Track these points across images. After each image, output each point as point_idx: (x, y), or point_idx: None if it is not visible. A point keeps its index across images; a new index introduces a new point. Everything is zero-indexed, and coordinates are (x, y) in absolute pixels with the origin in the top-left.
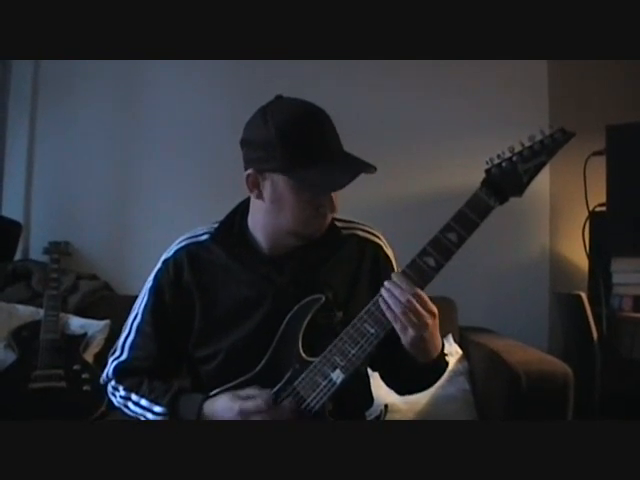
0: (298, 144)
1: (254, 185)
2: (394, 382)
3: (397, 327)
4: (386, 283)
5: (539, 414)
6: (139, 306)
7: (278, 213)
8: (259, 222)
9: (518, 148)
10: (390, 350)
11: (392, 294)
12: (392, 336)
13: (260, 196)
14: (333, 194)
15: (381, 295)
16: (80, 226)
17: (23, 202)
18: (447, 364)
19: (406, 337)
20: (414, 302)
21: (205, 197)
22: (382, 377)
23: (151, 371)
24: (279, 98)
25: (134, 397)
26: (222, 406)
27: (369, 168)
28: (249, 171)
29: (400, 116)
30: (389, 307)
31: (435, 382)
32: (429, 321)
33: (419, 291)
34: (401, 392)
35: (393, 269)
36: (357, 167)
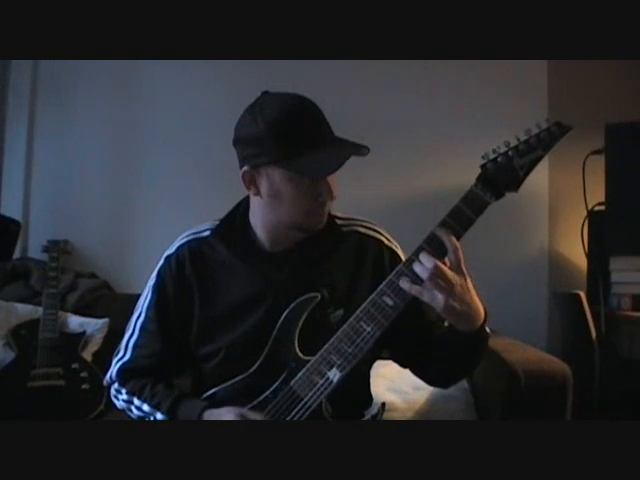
0: (289, 134)
1: (250, 182)
2: (435, 371)
3: (426, 298)
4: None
5: (538, 413)
6: (142, 304)
7: (277, 207)
8: (259, 218)
9: (514, 143)
10: (418, 337)
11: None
12: (416, 322)
13: (257, 193)
14: (330, 181)
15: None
16: (79, 225)
17: (22, 200)
18: (487, 334)
19: (437, 303)
20: (440, 266)
21: (205, 196)
22: (419, 373)
23: (154, 370)
24: (265, 93)
25: (136, 402)
26: (225, 418)
27: (362, 149)
28: (244, 169)
29: (400, 115)
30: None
31: (480, 356)
32: (456, 280)
33: (455, 241)
34: (446, 379)
35: (401, 261)
36: (350, 148)
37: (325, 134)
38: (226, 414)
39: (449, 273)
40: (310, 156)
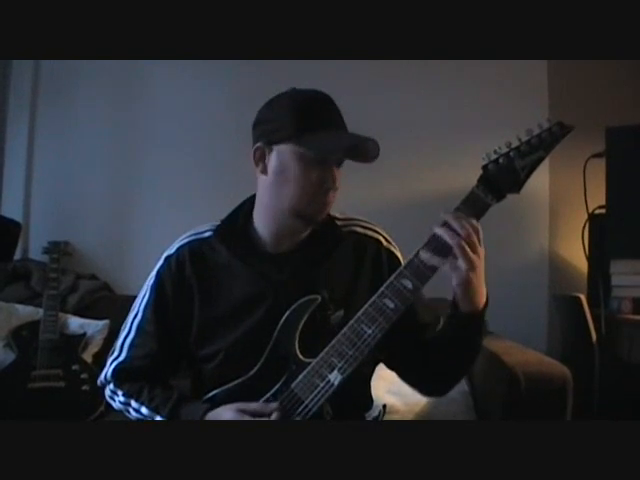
0: (307, 112)
1: (260, 158)
2: (429, 375)
3: (449, 266)
4: (445, 216)
5: (538, 415)
6: (139, 304)
7: (282, 187)
8: (263, 207)
9: (515, 143)
10: (412, 340)
11: (449, 227)
12: (410, 324)
13: (265, 170)
14: (336, 171)
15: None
16: (80, 226)
17: (23, 202)
18: (484, 327)
19: (459, 272)
20: (472, 233)
21: (205, 197)
22: (412, 379)
23: (150, 371)
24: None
25: (134, 404)
26: (228, 419)
27: (373, 142)
28: (257, 144)
29: (400, 116)
30: (444, 240)
31: (474, 356)
32: (480, 253)
33: (475, 222)
34: (435, 382)
35: (399, 262)
36: (362, 137)
37: (340, 122)
38: (225, 412)
39: (477, 243)
40: (324, 136)
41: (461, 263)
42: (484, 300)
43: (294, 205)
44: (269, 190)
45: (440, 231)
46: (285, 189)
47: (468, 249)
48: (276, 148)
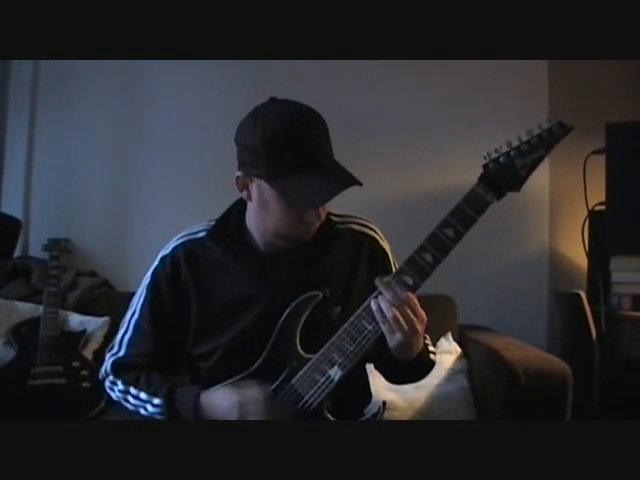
0: (283, 154)
1: (243, 186)
2: (384, 372)
3: (385, 329)
4: (379, 285)
5: (538, 412)
6: (137, 303)
7: (265, 216)
8: (252, 221)
9: (516, 143)
10: (379, 344)
11: (385, 297)
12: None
13: (249, 197)
14: (320, 208)
15: (374, 296)
16: (80, 223)
17: (23, 199)
18: (432, 363)
19: (393, 340)
20: (405, 307)
21: (204, 195)
22: (375, 367)
23: (148, 367)
24: (272, 100)
25: (133, 391)
26: (220, 396)
27: (355, 183)
28: (238, 173)
29: (401, 116)
30: (380, 309)
31: (420, 377)
32: (418, 327)
33: (411, 295)
34: (392, 382)
35: (390, 263)
36: (342, 182)
37: (322, 158)
38: (220, 392)
39: (412, 316)
40: (300, 181)
41: (397, 334)
42: (419, 349)
43: (279, 231)
44: (254, 216)
45: (374, 303)
46: (269, 218)
47: (403, 322)
48: (256, 180)
